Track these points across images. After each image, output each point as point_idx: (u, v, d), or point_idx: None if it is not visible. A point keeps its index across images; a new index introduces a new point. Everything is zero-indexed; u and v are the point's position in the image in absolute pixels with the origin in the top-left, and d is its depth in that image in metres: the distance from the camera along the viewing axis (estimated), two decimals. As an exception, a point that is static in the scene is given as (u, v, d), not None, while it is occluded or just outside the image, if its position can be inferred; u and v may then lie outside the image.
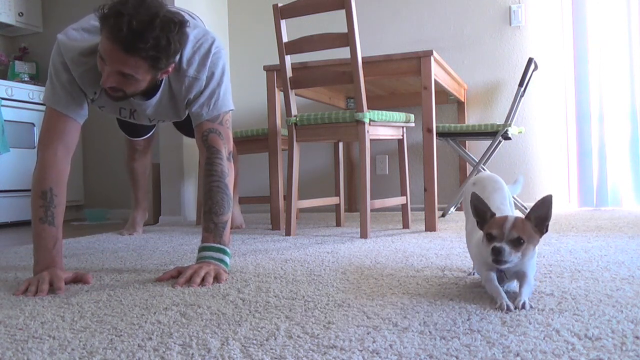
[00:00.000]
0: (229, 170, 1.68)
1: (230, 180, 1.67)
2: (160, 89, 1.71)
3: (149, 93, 1.71)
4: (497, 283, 1.17)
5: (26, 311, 1.20)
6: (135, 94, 1.61)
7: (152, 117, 1.88)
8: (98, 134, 4.45)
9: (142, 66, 1.47)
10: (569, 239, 2.12)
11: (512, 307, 1.07)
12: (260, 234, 2.68)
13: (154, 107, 1.77)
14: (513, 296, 1.14)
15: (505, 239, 1.13)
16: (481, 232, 1.23)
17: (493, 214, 1.19)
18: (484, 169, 3.31)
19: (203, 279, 1.44)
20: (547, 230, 1.18)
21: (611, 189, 3.49)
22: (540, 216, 1.16)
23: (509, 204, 1.37)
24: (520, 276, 1.19)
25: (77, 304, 1.25)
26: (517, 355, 0.81)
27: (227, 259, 1.58)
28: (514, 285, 1.24)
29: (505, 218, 1.16)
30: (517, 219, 1.16)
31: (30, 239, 1.59)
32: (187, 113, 1.80)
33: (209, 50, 1.69)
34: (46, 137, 1.63)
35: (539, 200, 1.17)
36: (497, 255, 1.12)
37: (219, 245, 1.58)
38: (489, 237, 1.15)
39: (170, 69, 1.59)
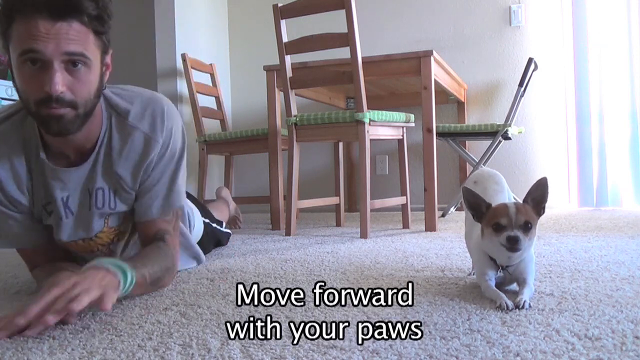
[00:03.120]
0: (171, 274, 1.38)
1: (165, 279, 1.35)
2: (98, 144, 1.27)
3: (81, 157, 1.28)
4: (494, 286, 1.18)
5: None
6: (83, 113, 1.16)
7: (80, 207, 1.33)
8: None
9: (87, 35, 1.11)
10: (569, 239, 2.12)
11: (511, 305, 1.07)
12: (260, 234, 2.68)
13: (88, 176, 1.29)
14: (513, 296, 1.14)
15: (515, 225, 1.13)
16: (479, 230, 1.23)
17: (489, 205, 1.19)
18: (484, 169, 3.30)
19: (71, 302, 1.00)
20: (544, 212, 1.18)
21: (611, 189, 3.49)
22: (536, 198, 1.17)
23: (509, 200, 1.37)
24: (521, 282, 1.19)
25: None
26: (517, 355, 0.81)
27: (127, 272, 1.15)
28: (513, 286, 1.24)
29: (507, 205, 1.16)
30: (518, 204, 1.16)
31: None
32: (131, 196, 1.35)
33: (163, 111, 1.32)
34: (25, 260, 1.41)
35: (534, 183, 1.17)
36: (514, 244, 1.12)
37: (122, 264, 1.16)
38: (498, 227, 1.14)
39: (109, 60, 1.21)
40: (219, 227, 2.09)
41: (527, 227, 1.13)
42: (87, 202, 1.32)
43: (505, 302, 1.07)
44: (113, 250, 1.45)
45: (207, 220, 1.96)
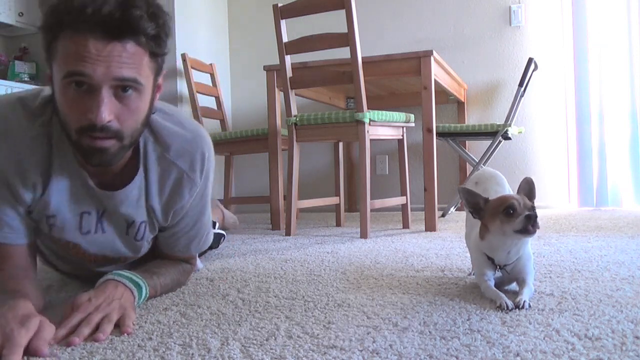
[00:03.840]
0: (181, 286, 1.40)
1: (174, 289, 1.35)
2: (140, 170, 1.18)
3: (122, 179, 1.18)
4: (493, 286, 1.18)
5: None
6: (129, 144, 1.06)
7: (121, 229, 1.25)
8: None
9: (142, 58, 1.00)
10: (569, 239, 2.12)
11: (511, 305, 1.07)
12: (260, 234, 2.68)
13: (129, 202, 1.19)
14: (513, 296, 1.14)
15: (525, 208, 1.13)
16: (478, 230, 1.23)
17: (486, 199, 1.19)
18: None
19: (98, 327, 0.97)
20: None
21: (611, 189, 3.49)
22: (526, 194, 1.18)
23: None
24: (520, 282, 1.20)
25: (57, 298, 1.25)
26: (517, 355, 0.81)
27: (142, 288, 1.16)
28: (513, 286, 1.24)
29: (510, 194, 1.18)
30: (517, 194, 1.18)
31: None
32: (157, 231, 1.30)
33: (203, 152, 1.24)
34: None
35: (522, 181, 1.19)
36: (535, 221, 1.10)
37: (139, 276, 1.17)
38: (510, 213, 1.12)
39: (161, 80, 1.11)
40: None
41: (534, 209, 1.13)
42: (125, 229, 1.24)
43: (505, 302, 1.08)
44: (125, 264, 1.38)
45: None
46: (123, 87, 0.98)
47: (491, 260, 1.21)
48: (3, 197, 1.11)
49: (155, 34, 1.00)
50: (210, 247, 2.00)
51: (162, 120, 1.20)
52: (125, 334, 0.98)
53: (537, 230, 1.12)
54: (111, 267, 1.32)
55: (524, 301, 1.08)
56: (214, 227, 2.00)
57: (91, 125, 0.97)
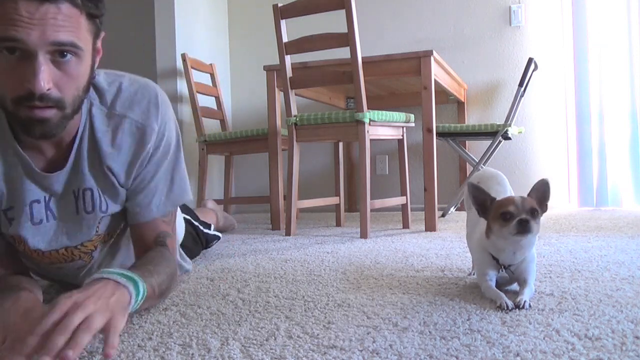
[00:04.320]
0: (175, 283, 1.24)
1: (171, 289, 1.21)
2: (77, 139, 1.09)
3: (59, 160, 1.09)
4: (494, 286, 1.18)
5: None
6: (71, 112, 0.99)
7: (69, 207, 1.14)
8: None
9: (79, 19, 0.93)
10: (569, 239, 2.12)
11: (511, 305, 1.07)
12: (260, 234, 2.68)
13: (74, 178, 1.11)
14: (513, 296, 1.14)
15: (522, 211, 1.13)
16: (483, 230, 1.23)
17: (493, 199, 1.20)
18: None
19: (78, 330, 0.80)
20: (546, 209, 1.19)
21: (611, 189, 3.49)
22: (539, 197, 1.18)
23: None
24: (522, 282, 1.19)
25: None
26: (517, 355, 0.81)
27: (138, 283, 0.98)
28: (514, 286, 1.24)
29: (512, 196, 1.18)
30: (522, 196, 1.18)
31: None
32: (122, 198, 1.18)
33: (156, 96, 1.16)
34: None
35: (537, 182, 1.18)
36: (525, 226, 1.12)
37: (132, 274, 0.99)
38: (507, 216, 1.14)
39: (99, 44, 1.03)
40: (201, 227, 1.90)
41: (535, 213, 1.14)
42: (73, 205, 1.13)
43: (505, 302, 1.08)
44: (93, 257, 1.26)
45: (188, 217, 1.81)
46: (61, 53, 0.91)
47: (496, 260, 1.21)
48: None
49: None
50: (204, 247, 1.98)
51: (105, 79, 1.14)
52: (108, 351, 0.79)
53: (534, 232, 1.13)
54: (81, 267, 1.24)
55: (524, 301, 1.08)
56: (209, 229, 1.98)
57: (29, 94, 0.90)
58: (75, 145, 1.09)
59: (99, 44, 1.03)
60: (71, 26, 0.91)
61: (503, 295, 1.12)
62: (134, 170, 1.15)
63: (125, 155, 1.13)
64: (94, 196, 1.14)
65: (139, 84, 1.16)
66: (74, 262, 1.23)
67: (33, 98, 0.90)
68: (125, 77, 1.16)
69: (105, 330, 0.82)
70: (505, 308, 1.06)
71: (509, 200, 1.16)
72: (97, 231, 1.19)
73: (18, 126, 0.99)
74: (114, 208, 1.18)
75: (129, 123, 1.12)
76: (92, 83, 1.08)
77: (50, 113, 0.94)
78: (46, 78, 0.89)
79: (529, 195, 1.18)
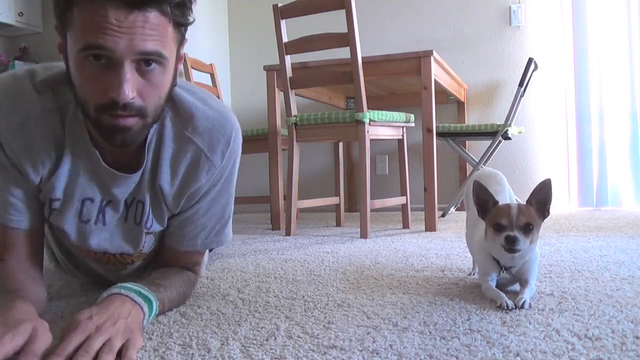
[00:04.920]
0: (187, 299, 1.24)
1: (179, 305, 1.20)
2: (147, 148, 1.07)
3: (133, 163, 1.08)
4: (494, 287, 1.18)
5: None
6: (152, 122, 0.98)
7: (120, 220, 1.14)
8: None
9: (166, 28, 0.91)
10: (569, 239, 2.12)
11: (511, 305, 1.07)
12: (260, 234, 2.68)
13: (136, 188, 1.10)
14: (514, 297, 1.14)
15: (515, 226, 1.12)
16: (482, 230, 1.23)
17: (496, 202, 1.18)
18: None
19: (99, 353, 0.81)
20: (548, 214, 1.17)
21: (611, 189, 3.49)
22: (540, 200, 1.16)
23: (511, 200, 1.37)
24: (523, 282, 1.19)
25: (76, 304, 1.25)
26: (517, 355, 0.81)
27: (152, 303, 1.00)
28: (515, 286, 1.24)
29: (510, 206, 1.16)
30: (520, 205, 1.16)
31: None
32: (166, 221, 1.17)
33: (230, 133, 1.12)
34: None
35: (538, 185, 1.16)
36: (512, 244, 1.11)
37: (147, 289, 1.01)
38: (498, 227, 1.14)
39: (182, 52, 1.02)
40: None
41: (528, 229, 1.13)
42: (123, 213, 1.12)
43: (506, 302, 1.08)
44: (126, 268, 1.26)
45: None
46: (146, 61, 0.90)
47: (496, 261, 1.20)
48: (10, 176, 1.03)
49: (180, 1, 0.91)
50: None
51: (185, 95, 1.10)
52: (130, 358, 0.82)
53: (524, 249, 1.13)
54: (112, 271, 1.25)
55: (524, 300, 1.08)
56: None
57: (113, 103, 0.89)
58: (150, 154, 1.07)
59: (182, 51, 1.01)
60: (158, 35, 0.89)
61: (503, 295, 1.12)
62: (183, 200, 1.12)
63: (178, 180, 1.10)
64: (145, 210, 1.12)
65: (218, 112, 1.12)
66: (107, 266, 1.23)
67: (117, 107, 0.90)
68: (204, 98, 1.12)
69: (123, 351, 0.83)
70: (506, 308, 1.06)
71: (505, 211, 1.15)
72: (141, 249, 1.18)
73: (99, 132, 0.97)
74: (157, 228, 1.16)
75: (194, 150, 1.09)
76: (172, 98, 1.07)
77: (132, 121, 0.93)
78: (130, 87, 0.89)
79: (529, 199, 1.17)
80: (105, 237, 1.14)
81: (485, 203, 1.20)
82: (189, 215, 1.16)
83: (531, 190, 1.17)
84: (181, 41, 0.99)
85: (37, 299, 1.00)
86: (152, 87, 0.93)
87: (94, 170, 1.06)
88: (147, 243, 1.18)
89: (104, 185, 1.08)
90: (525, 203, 1.17)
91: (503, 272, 1.20)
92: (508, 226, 1.13)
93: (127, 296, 0.94)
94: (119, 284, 0.98)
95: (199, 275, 1.27)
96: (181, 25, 0.96)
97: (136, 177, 1.08)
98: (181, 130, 1.08)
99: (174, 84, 1.00)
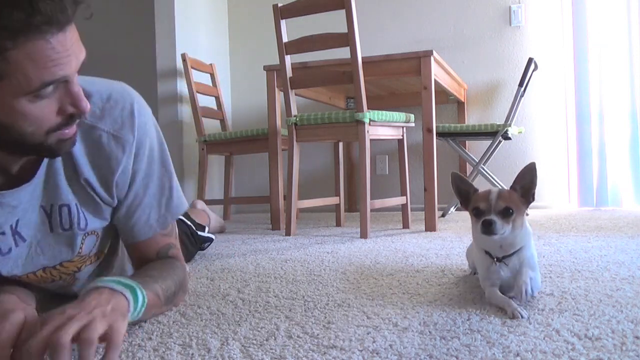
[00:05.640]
0: (184, 289, 1.19)
1: (180, 295, 1.16)
2: (44, 162, 1.00)
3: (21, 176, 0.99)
4: (500, 293, 1.12)
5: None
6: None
7: (31, 235, 1.04)
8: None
9: (75, 29, 0.88)
10: (569, 239, 2.12)
11: (525, 314, 1.01)
12: (260, 234, 2.68)
13: (44, 189, 1.02)
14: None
15: (493, 210, 1.11)
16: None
17: (476, 190, 1.18)
18: (484, 169, 3.31)
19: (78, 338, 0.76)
20: (533, 199, 1.15)
21: (611, 189, 3.49)
22: (525, 185, 1.15)
23: None
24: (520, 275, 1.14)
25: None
26: (517, 355, 0.81)
27: (136, 290, 0.93)
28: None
29: (490, 191, 1.14)
30: (501, 190, 1.15)
31: None
32: (106, 215, 1.10)
33: (131, 105, 1.06)
34: None
35: (522, 169, 1.15)
36: (488, 228, 1.10)
37: (129, 281, 0.94)
38: (477, 212, 1.13)
39: None
40: (194, 228, 1.87)
41: (507, 213, 1.11)
42: (46, 223, 1.04)
43: (518, 312, 1.01)
44: (78, 278, 1.17)
45: (182, 217, 1.76)
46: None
47: (489, 254, 1.18)
48: None
49: (75, 4, 0.85)
50: (199, 249, 1.96)
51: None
52: (112, 351, 0.77)
53: (500, 234, 1.10)
54: (64, 287, 1.17)
55: (525, 290, 1.06)
56: (203, 231, 1.94)
57: (69, 119, 0.88)
58: (41, 169, 1.00)
59: None
60: (78, 39, 0.87)
61: (512, 302, 1.06)
62: (114, 187, 1.07)
63: (99, 168, 1.04)
64: (72, 212, 1.05)
65: (111, 90, 1.06)
66: (55, 283, 1.14)
67: (74, 120, 0.89)
68: (96, 82, 1.06)
69: (106, 338, 0.78)
70: (518, 317, 1.00)
71: (483, 196, 1.14)
72: (79, 252, 1.10)
73: (40, 153, 0.93)
74: (95, 224, 1.09)
75: (100, 135, 1.03)
76: None
77: (75, 128, 0.92)
78: (85, 100, 0.88)
79: (513, 184, 1.15)
80: (35, 253, 1.06)
81: (466, 194, 1.19)
82: (131, 201, 1.10)
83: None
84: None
85: (24, 296, 0.99)
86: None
87: None
88: (87, 244, 1.11)
89: (7, 208, 0.98)
90: (509, 188, 1.16)
91: (496, 264, 1.15)
92: (486, 211, 1.11)
93: (104, 287, 0.88)
94: (96, 279, 0.92)
95: (179, 257, 1.19)
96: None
97: (34, 183, 0.99)
98: (81, 120, 1.00)
99: None
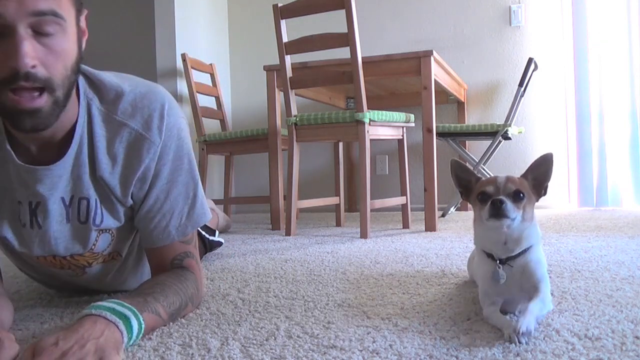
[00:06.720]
0: (195, 301, 1.14)
1: (188, 308, 1.11)
2: (76, 137, 1.00)
3: (58, 148, 1.01)
4: (499, 313, 0.97)
5: (25, 312, 1.20)
6: (63, 96, 0.90)
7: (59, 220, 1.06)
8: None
9: None
10: (569, 239, 2.12)
11: (524, 340, 0.85)
12: (260, 234, 2.68)
13: (68, 180, 1.03)
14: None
15: (502, 192, 0.96)
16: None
17: (479, 178, 1.04)
18: (484, 169, 3.31)
19: None
20: (545, 193, 1.03)
21: (611, 189, 3.49)
22: (538, 177, 1.01)
23: None
24: (532, 291, 0.98)
25: (76, 303, 1.25)
26: (517, 355, 0.81)
27: (130, 320, 0.88)
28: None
29: (497, 176, 1.01)
30: (510, 176, 1.01)
31: None
32: (121, 215, 1.10)
33: (162, 106, 1.06)
34: None
35: (538, 158, 1.02)
36: (498, 209, 0.94)
37: (125, 305, 0.90)
38: (483, 197, 0.98)
39: (84, 23, 0.95)
40: (204, 233, 1.83)
41: (518, 197, 0.96)
42: (63, 213, 1.05)
43: (512, 334, 0.86)
44: (87, 273, 1.18)
45: None
46: (43, 27, 0.83)
47: (491, 257, 1.02)
48: None
49: None
50: (208, 250, 1.93)
51: (109, 77, 1.05)
52: None
53: (512, 217, 0.95)
54: (73, 276, 1.17)
55: (526, 327, 0.86)
56: (213, 235, 1.90)
57: (13, 74, 0.82)
58: (75, 147, 1.00)
59: (83, 22, 0.95)
60: None
61: (512, 324, 0.88)
62: (132, 187, 1.05)
63: (119, 167, 1.04)
64: (90, 206, 1.05)
65: (146, 90, 1.05)
66: (64, 270, 1.16)
67: (18, 78, 0.82)
68: (131, 79, 1.07)
69: None
70: (516, 342, 0.84)
71: (490, 180, 1.00)
72: (92, 249, 1.11)
73: (5, 118, 0.90)
74: (110, 223, 1.09)
75: (129, 133, 1.02)
76: (91, 79, 1.03)
77: (41, 102, 0.86)
78: (30, 53, 0.81)
79: (526, 172, 1.02)
80: (48, 241, 1.07)
81: (467, 183, 1.06)
82: (151, 204, 1.08)
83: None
84: (79, 9, 0.93)
85: (3, 312, 0.96)
86: (55, 55, 0.86)
87: (15, 171, 1.00)
88: (101, 242, 1.11)
89: (28, 185, 1.01)
90: (520, 177, 1.02)
91: (500, 267, 1.00)
92: (494, 193, 0.97)
93: (99, 315, 0.85)
94: (92, 304, 0.89)
95: (196, 270, 1.16)
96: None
97: (58, 169, 1.00)
98: (110, 115, 1.02)
99: (80, 54, 0.93)
